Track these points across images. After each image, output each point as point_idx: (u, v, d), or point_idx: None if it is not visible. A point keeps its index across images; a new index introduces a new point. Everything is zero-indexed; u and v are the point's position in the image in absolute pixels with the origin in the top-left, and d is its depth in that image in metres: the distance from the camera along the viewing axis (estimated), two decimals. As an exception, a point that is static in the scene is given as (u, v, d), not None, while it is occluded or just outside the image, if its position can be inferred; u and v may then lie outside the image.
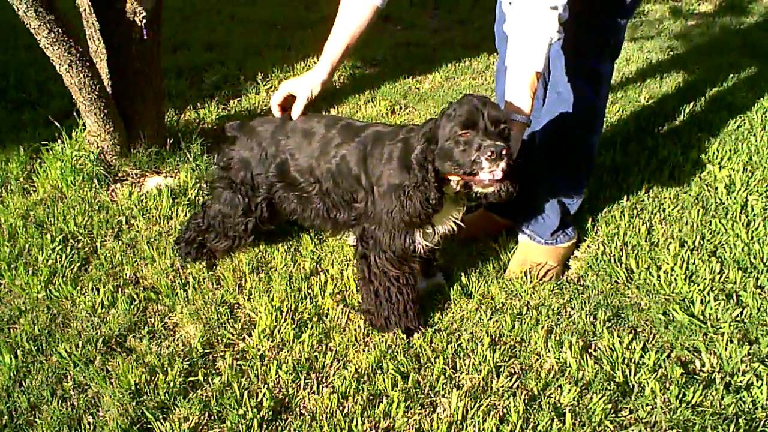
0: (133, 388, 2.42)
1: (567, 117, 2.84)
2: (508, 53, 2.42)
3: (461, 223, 2.61)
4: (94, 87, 3.44)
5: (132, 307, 2.85)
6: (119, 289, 2.94)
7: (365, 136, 2.63)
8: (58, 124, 3.88)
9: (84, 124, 3.75)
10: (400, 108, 4.89)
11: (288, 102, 2.82)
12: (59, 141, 3.88)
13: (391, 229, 2.50)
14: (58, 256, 3.15)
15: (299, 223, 2.97)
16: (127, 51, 3.67)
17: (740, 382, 2.37)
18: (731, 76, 5.33)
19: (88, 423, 2.33)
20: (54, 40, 3.19)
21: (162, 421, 2.30)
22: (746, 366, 2.43)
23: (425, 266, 2.89)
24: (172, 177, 3.80)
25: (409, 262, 2.60)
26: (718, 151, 3.98)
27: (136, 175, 3.79)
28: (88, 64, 3.37)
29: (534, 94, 2.40)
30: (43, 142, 3.99)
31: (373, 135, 2.61)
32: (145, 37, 3.60)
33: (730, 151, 3.99)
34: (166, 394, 2.40)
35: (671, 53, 6.09)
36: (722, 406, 2.27)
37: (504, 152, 2.14)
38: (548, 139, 2.95)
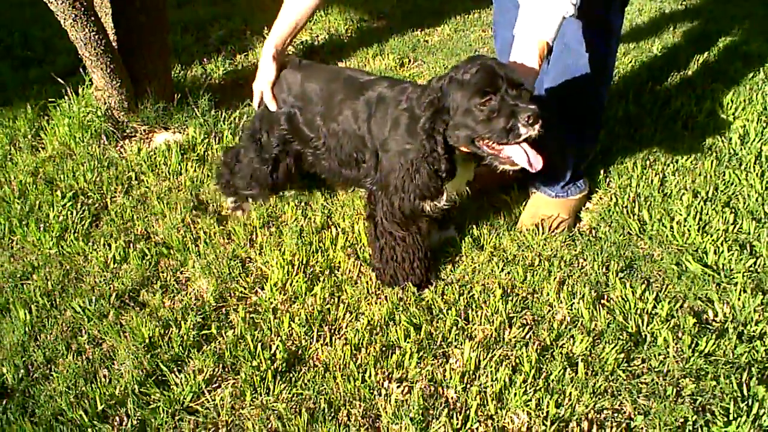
0: (147, 341, 2.44)
1: (575, 68, 2.78)
2: (519, 20, 2.36)
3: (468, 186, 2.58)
4: (99, 42, 3.40)
5: (144, 261, 2.85)
6: (131, 245, 2.95)
7: (369, 96, 2.57)
8: (62, 82, 3.84)
9: (91, 81, 3.72)
10: (409, 61, 4.82)
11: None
12: (66, 98, 3.86)
13: (399, 195, 2.47)
14: (69, 213, 3.16)
15: (319, 176, 3.00)
16: (131, 5, 3.63)
17: (753, 331, 2.36)
18: (746, 25, 5.22)
19: (104, 376, 2.36)
20: (58, -7, 3.15)
21: (177, 373, 2.32)
22: (759, 316, 2.42)
23: (439, 220, 2.86)
24: (180, 133, 3.78)
25: (417, 223, 2.57)
26: (732, 102, 3.92)
27: (145, 131, 3.77)
28: (92, 18, 3.33)
29: (542, 62, 2.34)
30: (50, 99, 3.96)
31: (377, 96, 2.55)
32: (150, -11, 3.56)
33: (745, 101, 3.93)
34: (180, 347, 2.41)
35: (684, 3, 5.97)
36: (735, 355, 2.27)
37: (539, 115, 2.07)
38: (557, 90, 2.89)
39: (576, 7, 2.28)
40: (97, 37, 3.38)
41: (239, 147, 3.12)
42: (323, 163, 2.81)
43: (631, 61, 4.60)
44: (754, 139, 3.50)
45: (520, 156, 2.17)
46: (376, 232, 2.62)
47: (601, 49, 2.76)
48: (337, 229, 2.98)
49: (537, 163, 2.18)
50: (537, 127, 2.07)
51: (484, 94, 2.13)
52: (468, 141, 2.23)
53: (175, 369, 2.35)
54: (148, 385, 2.27)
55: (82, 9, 3.27)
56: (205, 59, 4.77)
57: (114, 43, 3.63)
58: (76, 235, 3.04)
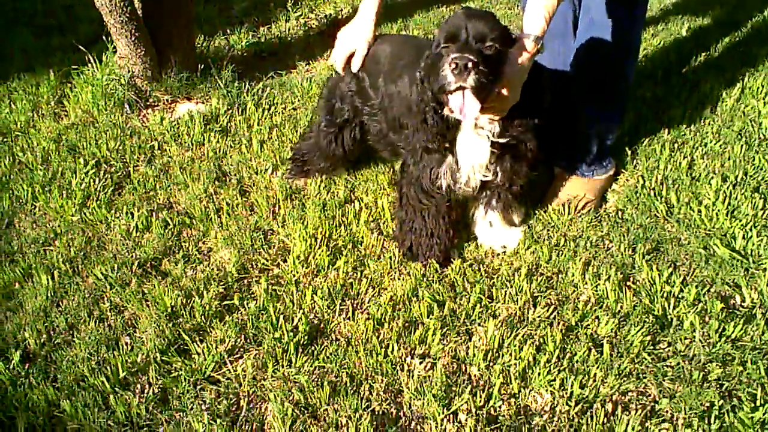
0: (169, 310, 2.45)
1: (601, 43, 2.73)
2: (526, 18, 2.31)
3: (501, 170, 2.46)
4: (125, 9, 3.38)
5: (166, 231, 2.85)
6: (153, 214, 2.94)
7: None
8: (84, 49, 3.82)
9: (114, 49, 3.70)
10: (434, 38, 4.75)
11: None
12: (89, 66, 3.84)
13: (417, 160, 2.44)
14: (92, 180, 3.16)
15: (371, 145, 2.95)
16: (157, -27, 3.60)
17: (782, 318, 2.33)
18: (777, 8, 5.12)
19: (126, 343, 2.36)
20: (84, -41, 3.12)
21: (198, 342, 2.32)
22: (788, 302, 2.39)
23: (502, 208, 2.72)
24: (203, 103, 3.76)
25: (437, 198, 2.52)
26: (762, 86, 3.84)
27: (167, 100, 3.76)
28: (117, -15, 3.31)
29: (551, 17, 2.26)
30: (73, 67, 3.94)
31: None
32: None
33: (776, 85, 3.86)
34: (202, 317, 2.41)
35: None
36: (762, 341, 2.24)
37: (470, 65, 1.97)
38: (582, 66, 2.85)
39: None
40: (122, 4, 3.36)
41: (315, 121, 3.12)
42: (375, 125, 2.79)
43: (660, 43, 4.52)
44: (785, 125, 3.44)
45: (456, 102, 2.09)
46: (401, 202, 2.61)
47: (625, 23, 2.70)
48: (360, 204, 2.95)
49: (469, 111, 2.07)
50: (468, 76, 1.99)
51: (446, 39, 2.10)
52: (436, 91, 2.17)
53: (197, 338, 2.35)
54: (169, 354, 2.28)
55: (108, -24, 3.24)
56: (228, 31, 4.73)
57: (139, 11, 3.60)
58: (98, 202, 3.03)
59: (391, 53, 2.71)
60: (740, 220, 2.76)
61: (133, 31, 3.46)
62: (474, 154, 2.39)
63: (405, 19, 5.07)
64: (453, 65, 1.98)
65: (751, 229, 2.71)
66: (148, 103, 3.73)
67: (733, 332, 2.26)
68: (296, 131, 3.47)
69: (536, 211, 2.89)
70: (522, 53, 2.19)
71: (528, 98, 2.25)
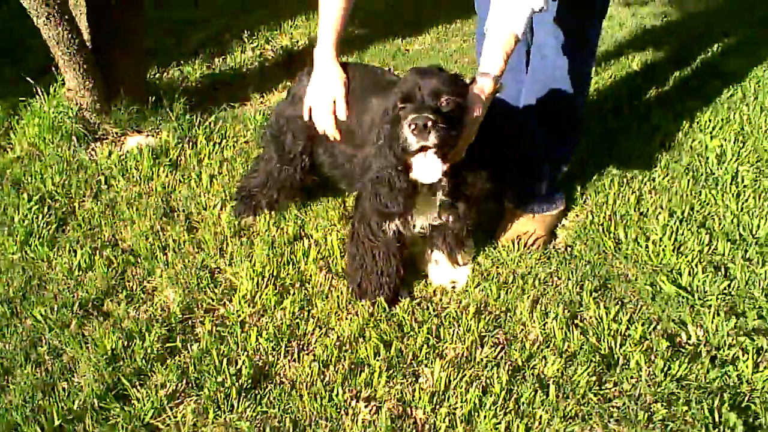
0: (109, 353, 2.37)
1: (552, 78, 2.77)
2: (490, 13, 2.32)
3: (452, 216, 2.44)
4: (72, 41, 3.33)
5: (110, 270, 2.78)
6: (97, 252, 2.87)
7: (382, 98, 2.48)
8: (32, 81, 3.75)
9: (63, 81, 3.64)
10: (389, 70, 4.76)
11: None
12: (37, 97, 3.77)
13: (369, 203, 2.40)
14: (35, 217, 3.07)
15: (329, 177, 2.88)
16: (108, 4, 3.55)
17: (726, 355, 2.34)
18: (725, 42, 5.25)
19: (63, 389, 2.28)
20: (30, -9, 3.07)
21: (138, 387, 2.25)
22: (732, 339, 2.40)
23: (449, 249, 2.69)
24: (153, 136, 3.70)
25: (388, 239, 2.48)
26: (710, 120, 3.93)
27: (117, 133, 3.70)
28: (66, 17, 3.27)
29: (508, 57, 2.28)
30: (20, 98, 3.87)
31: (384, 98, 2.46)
32: (126, -10, 3.49)
33: (722, 120, 3.94)
34: (143, 360, 2.35)
35: (665, 19, 5.99)
36: (707, 380, 2.25)
37: (429, 124, 1.95)
38: (533, 101, 2.87)
39: (547, 1, 2.25)
40: (70, 36, 3.31)
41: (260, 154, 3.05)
42: (329, 157, 2.76)
43: (610, 77, 4.60)
44: (730, 159, 3.50)
45: (419, 164, 2.08)
46: (353, 236, 2.58)
47: (576, 60, 2.74)
48: (309, 240, 2.92)
49: (434, 172, 2.06)
50: (429, 135, 1.97)
51: (402, 101, 2.08)
52: (397, 149, 2.13)
53: (137, 383, 2.28)
54: (108, 400, 2.20)
55: (56, 7, 3.20)
56: (182, 62, 4.69)
57: (88, 43, 3.56)
58: (41, 240, 2.95)
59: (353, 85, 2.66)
60: (686, 256, 2.79)
61: (81, 63, 3.41)
62: (427, 208, 2.39)
63: (360, 51, 5.08)
64: (412, 126, 1.96)
65: (696, 265, 2.74)
66: (96, 137, 3.67)
67: (678, 371, 2.26)
68: (247, 165, 3.43)
69: (486, 248, 2.88)
70: (481, 94, 2.20)
71: (484, 137, 2.25)
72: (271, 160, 2.89)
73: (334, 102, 2.60)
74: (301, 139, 2.79)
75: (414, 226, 2.45)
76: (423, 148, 2.02)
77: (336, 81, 2.60)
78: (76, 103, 3.62)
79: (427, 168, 2.06)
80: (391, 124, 2.14)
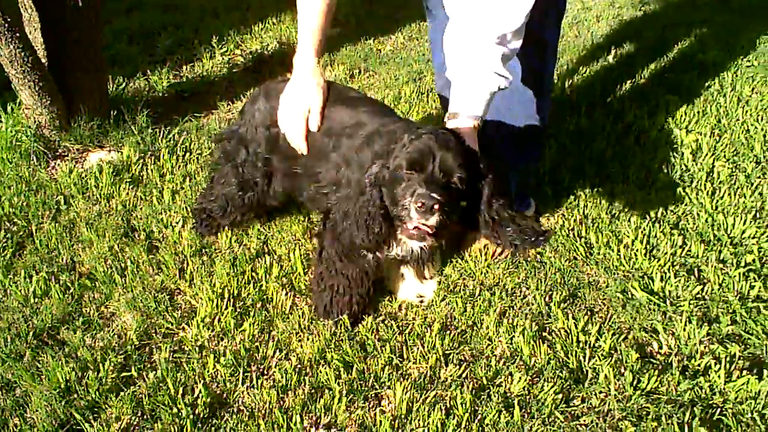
0: (63, 385, 2.29)
1: (513, 86, 2.68)
2: (451, 97, 2.25)
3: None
4: (26, 59, 3.23)
5: (66, 296, 2.69)
6: (53, 277, 2.78)
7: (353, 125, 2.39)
8: (-7, 98, 3.67)
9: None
10: (360, 72, 4.68)
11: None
12: (-5, 115, 3.68)
13: (344, 230, 2.26)
14: (-9, 241, 2.98)
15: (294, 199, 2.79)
16: (62, 19, 3.45)
17: (698, 365, 2.27)
18: (704, 31, 5.17)
19: (15, 425, 2.20)
20: (-24, 10, 2.97)
21: (92, 422, 2.18)
22: (705, 347, 2.34)
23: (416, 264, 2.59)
24: (116, 151, 3.61)
25: (360, 263, 2.39)
26: (685, 114, 3.85)
27: (78, 150, 3.60)
28: (18, 34, 3.16)
29: (491, 98, 2.23)
30: (-21, 117, 3.77)
31: (356, 122, 2.38)
32: (80, 4, 3.38)
33: (699, 113, 3.87)
34: (97, 392, 2.27)
35: (643, 9, 5.89)
36: (678, 392, 2.18)
37: (435, 207, 1.86)
38: (496, 109, 2.78)
39: (509, 81, 2.18)
40: (23, 54, 3.21)
41: (214, 172, 2.93)
42: (287, 181, 2.65)
43: (585, 72, 4.52)
44: (706, 154, 3.43)
45: (408, 230, 2.01)
46: (321, 256, 2.46)
47: (534, 64, 2.64)
48: (272, 258, 2.83)
49: (423, 240, 2.01)
50: (431, 218, 1.89)
51: (410, 165, 1.96)
52: (390, 204, 2.06)
53: (91, 417, 2.20)
54: (59, 436, 2.13)
55: (6, 25, 3.09)
56: (149, 70, 4.58)
57: (44, 60, 3.46)
58: (-4, 266, 2.87)
59: None
60: (659, 260, 2.72)
61: (36, 80, 3.31)
62: (405, 245, 2.28)
63: (332, 53, 4.98)
64: (419, 203, 1.87)
65: (669, 269, 2.67)
66: (57, 154, 3.57)
67: (648, 384, 2.19)
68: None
69: (453, 258, 2.81)
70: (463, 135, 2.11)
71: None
72: (230, 185, 2.75)
73: (308, 112, 2.46)
74: (258, 163, 2.67)
75: (390, 254, 2.34)
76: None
77: (313, 90, 2.44)
78: (34, 121, 3.52)
79: (418, 234, 1.99)
80: (391, 180, 2.03)
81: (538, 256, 2.83)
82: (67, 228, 3.08)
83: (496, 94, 2.24)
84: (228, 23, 5.45)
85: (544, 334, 2.43)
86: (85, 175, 3.40)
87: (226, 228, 2.96)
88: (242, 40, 5.17)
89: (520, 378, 2.23)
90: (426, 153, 1.94)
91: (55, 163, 3.54)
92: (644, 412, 2.13)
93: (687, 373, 2.26)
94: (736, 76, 4.36)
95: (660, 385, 2.21)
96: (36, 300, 2.69)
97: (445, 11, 2.33)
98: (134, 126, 3.68)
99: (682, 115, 3.83)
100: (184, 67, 4.76)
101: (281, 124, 2.51)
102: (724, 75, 4.37)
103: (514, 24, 2.14)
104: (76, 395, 2.27)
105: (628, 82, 4.31)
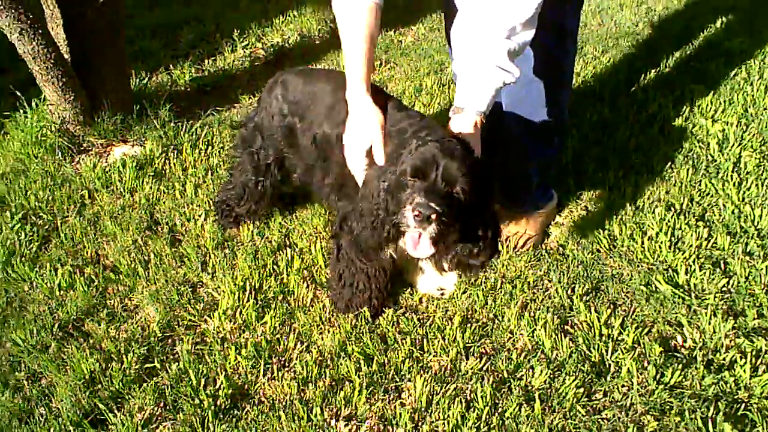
0: (87, 376, 2.33)
1: (533, 75, 2.65)
2: (456, 92, 2.22)
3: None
4: (49, 55, 3.26)
5: (91, 288, 2.73)
6: (78, 270, 2.82)
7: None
8: (19, 94, 3.70)
9: (46, 93, 3.59)
10: (381, 64, 4.66)
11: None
12: (21, 111, 3.72)
13: (363, 228, 2.23)
14: (17, 235, 3.02)
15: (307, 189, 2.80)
16: (84, 16, 3.48)
17: (723, 359, 2.24)
18: (730, 18, 5.07)
19: (40, 415, 2.24)
20: (0, 7, 3.00)
21: (115, 412, 2.20)
22: (730, 341, 2.31)
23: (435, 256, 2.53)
24: (139, 146, 3.64)
25: (380, 259, 2.35)
26: (711, 103, 3.78)
27: (102, 144, 3.63)
28: (41, 31, 3.19)
29: (497, 93, 2.19)
30: (5, 113, 3.82)
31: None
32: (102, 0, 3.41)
33: (725, 102, 3.79)
34: (121, 383, 2.29)
35: (669, -4, 5.79)
36: (702, 387, 2.15)
37: (433, 217, 1.82)
38: (515, 99, 2.75)
39: (515, 76, 2.14)
40: (46, 50, 3.24)
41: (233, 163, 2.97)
42: (301, 170, 2.66)
43: (609, 60, 4.46)
44: (732, 144, 3.37)
45: (410, 239, 1.98)
46: (339, 255, 2.45)
47: (555, 53, 2.60)
48: (293, 250, 2.84)
49: (422, 252, 1.97)
50: (429, 227, 1.85)
51: (413, 172, 1.94)
52: (393, 209, 2.03)
53: (115, 407, 2.23)
54: (84, 427, 2.16)
55: (29, 22, 3.12)
56: (171, 65, 4.61)
57: (67, 56, 3.49)
58: (23, 259, 2.91)
59: (332, 91, 2.53)
60: (684, 252, 2.69)
61: (60, 76, 3.34)
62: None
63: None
64: (416, 212, 1.84)
65: (694, 262, 2.63)
66: (81, 149, 3.61)
67: (671, 378, 2.17)
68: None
69: (474, 251, 2.79)
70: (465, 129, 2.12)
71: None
72: (246, 172, 2.80)
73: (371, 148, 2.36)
74: (271, 150, 2.71)
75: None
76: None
77: (373, 124, 2.32)
78: (59, 117, 3.56)
79: (418, 246, 1.96)
80: (394, 188, 2.01)
81: (561, 249, 2.80)
82: (92, 222, 3.12)
83: (502, 89, 2.20)
84: (249, 16, 5.46)
85: (566, 327, 2.42)
86: (109, 170, 3.44)
87: (248, 221, 2.97)
88: (263, 33, 5.17)
89: (541, 371, 2.22)
90: (429, 161, 1.91)
91: (79, 158, 3.57)
92: (667, 407, 2.10)
93: (711, 367, 2.23)
94: (764, 63, 4.27)
95: (684, 380, 2.18)
96: (61, 292, 2.73)
97: (456, 2, 2.30)
98: (157, 120, 3.71)
99: (707, 105, 3.77)
100: (206, 61, 4.78)
101: (348, 163, 2.42)
102: (751, 63, 4.28)
103: (525, 14, 2.10)
104: (100, 386, 2.30)
105: (652, 70, 4.25)
